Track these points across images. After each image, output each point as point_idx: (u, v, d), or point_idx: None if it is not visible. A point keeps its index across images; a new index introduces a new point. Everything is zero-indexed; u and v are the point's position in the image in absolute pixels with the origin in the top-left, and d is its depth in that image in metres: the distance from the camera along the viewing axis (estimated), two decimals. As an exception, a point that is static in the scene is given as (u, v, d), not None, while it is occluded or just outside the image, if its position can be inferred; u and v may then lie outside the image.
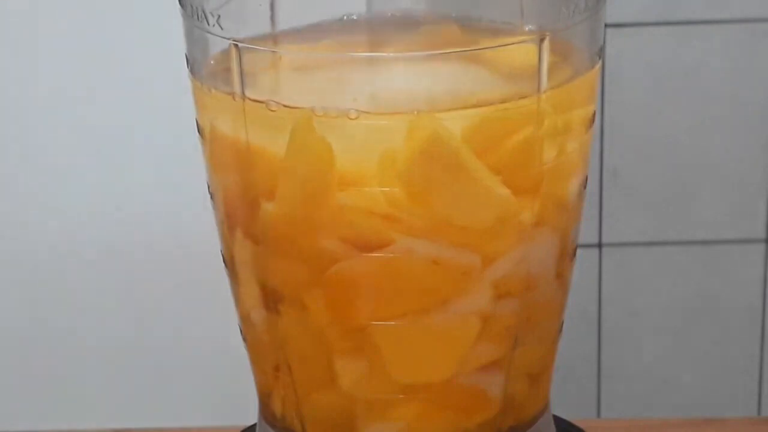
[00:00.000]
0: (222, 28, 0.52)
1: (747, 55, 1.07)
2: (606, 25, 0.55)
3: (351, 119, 0.49)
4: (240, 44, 0.51)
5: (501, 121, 0.51)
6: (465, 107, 0.50)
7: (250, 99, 0.51)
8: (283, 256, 0.53)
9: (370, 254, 0.51)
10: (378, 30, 0.56)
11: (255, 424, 0.62)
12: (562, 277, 0.57)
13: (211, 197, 0.57)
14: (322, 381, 0.54)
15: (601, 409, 1.17)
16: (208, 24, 0.52)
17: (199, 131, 0.56)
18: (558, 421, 0.63)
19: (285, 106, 0.50)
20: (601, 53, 0.55)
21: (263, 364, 0.58)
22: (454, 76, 0.51)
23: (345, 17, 0.56)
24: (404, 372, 0.54)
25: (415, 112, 0.49)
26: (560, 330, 0.59)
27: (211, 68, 0.53)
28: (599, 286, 1.13)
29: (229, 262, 0.57)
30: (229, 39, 0.51)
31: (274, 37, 0.55)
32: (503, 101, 0.50)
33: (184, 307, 1.02)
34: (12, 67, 0.97)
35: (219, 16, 0.52)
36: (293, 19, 0.56)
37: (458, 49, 0.50)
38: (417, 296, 0.52)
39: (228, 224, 0.56)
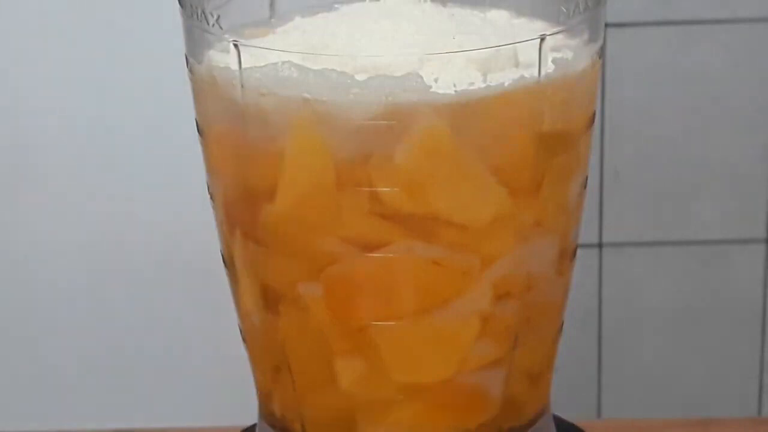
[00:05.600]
0: (222, 28, 0.52)
1: (747, 55, 1.07)
2: (606, 25, 0.55)
3: (350, 116, 0.49)
4: (240, 44, 0.51)
5: (500, 120, 0.51)
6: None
7: (249, 99, 0.51)
8: (283, 256, 0.53)
9: (370, 254, 0.51)
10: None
11: (255, 424, 0.62)
12: (562, 277, 0.57)
13: (211, 197, 0.57)
14: (322, 381, 0.54)
15: (601, 409, 1.17)
16: (208, 24, 0.52)
17: (199, 131, 0.56)
18: (558, 421, 0.63)
19: (285, 105, 0.50)
20: (601, 53, 0.55)
21: (263, 364, 0.58)
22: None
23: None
24: (404, 372, 0.54)
25: (415, 110, 0.49)
26: (560, 330, 0.59)
27: (211, 68, 0.53)
28: (599, 286, 1.13)
29: (229, 262, 0.57)
30: (228, 39, 0.51)
31: (273, 35, 0.55)
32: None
33: (184, 308, 1.02)
34: (12, 68, 0.96)
35: (219, 16, 0.52)
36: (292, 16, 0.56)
37: (458, 50, 0.50)
38: (417, 296, 0.52)
39: (228, 224, 0.56)
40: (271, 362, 0.57)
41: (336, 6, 0.56)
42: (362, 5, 0.56)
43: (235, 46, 0.51)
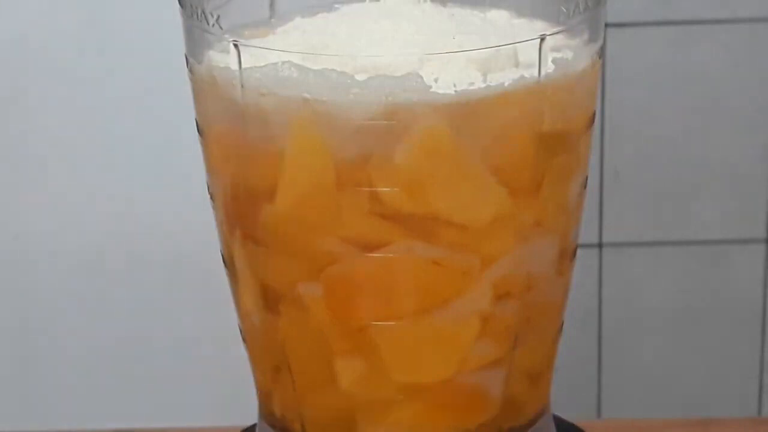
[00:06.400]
0: (222, 28, 0.52)
1: (747, 55, 1.07)
2: (606, 25, 0.55)
3: (350, 116, 0.49)
4: (240, 44, 0.51)
5: (500, 120, 0.51)
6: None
7: (249, 99, 0.51)
8: (283, 256, 0.53)
9: (370, 254, 0.51)
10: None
11: (255, 424, 0.62)
12: (562, 277, 0.57)
13: (211, 197, 0.57)
14: (322, 381, 0.54)
15: (601, 409, 1.17)
16: (208, 24, 0.52)
17: (199, 131, 0.56)
18: (558, 421, 0.63)
19: (285, 105, 0.50)
20: (601, 53, 0.55)
21: (263, 364, 0.58)
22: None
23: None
24: (404, 372, 0.54)
25: (415, 110, 0.49)
26: (560, 330, 0.59)
27: (211, 68, 0.53)
28: (599, 286, 1.13)
29: (229, 262, 0.57)
30: (228, 39, 0.51)
31: (273, 36, 0.55)
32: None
33: (184, 308, 1.02)
34: (12, 68, 0.96)
35: (219, 16, 0.52)
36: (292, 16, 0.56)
37: (458, 50, 0.50)
38: (417, 296, 0.52)
39: (228, 224, 0.56)
40: (271, 362, 0.57)
41: (336, 6, 0.56)
42: (362, 5, 0.56)
43: (235, 46, 0.51)
